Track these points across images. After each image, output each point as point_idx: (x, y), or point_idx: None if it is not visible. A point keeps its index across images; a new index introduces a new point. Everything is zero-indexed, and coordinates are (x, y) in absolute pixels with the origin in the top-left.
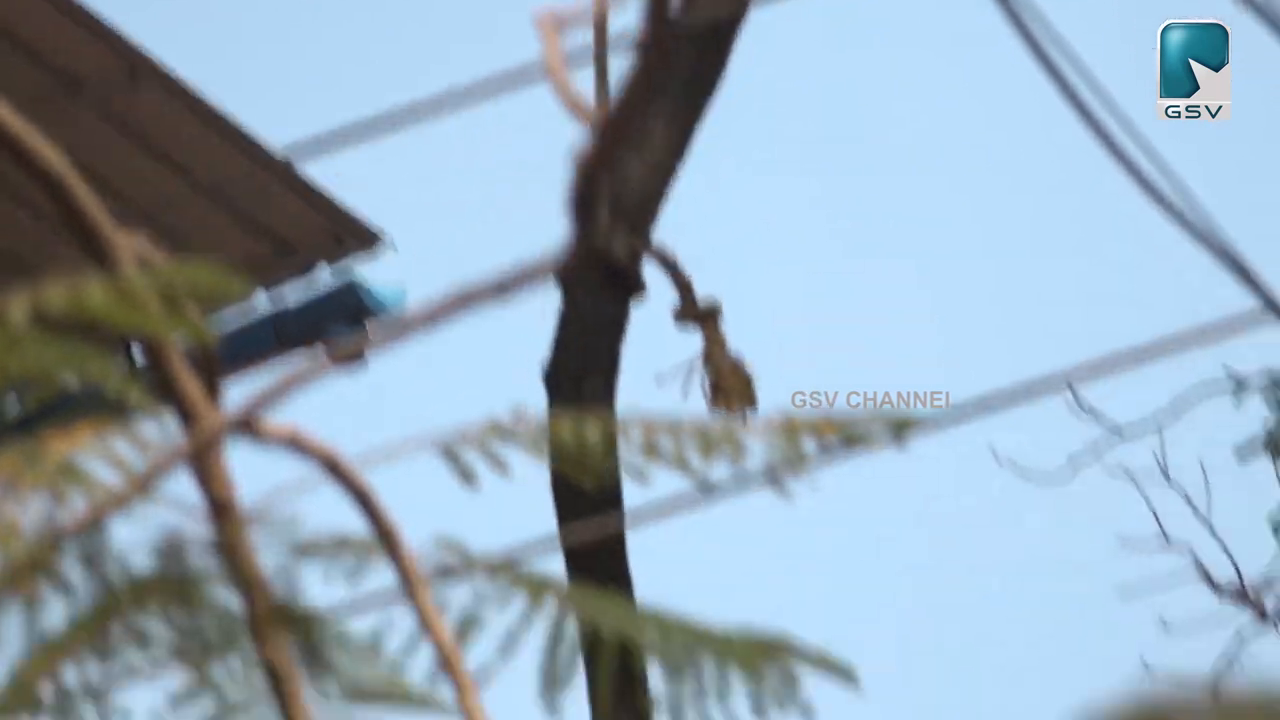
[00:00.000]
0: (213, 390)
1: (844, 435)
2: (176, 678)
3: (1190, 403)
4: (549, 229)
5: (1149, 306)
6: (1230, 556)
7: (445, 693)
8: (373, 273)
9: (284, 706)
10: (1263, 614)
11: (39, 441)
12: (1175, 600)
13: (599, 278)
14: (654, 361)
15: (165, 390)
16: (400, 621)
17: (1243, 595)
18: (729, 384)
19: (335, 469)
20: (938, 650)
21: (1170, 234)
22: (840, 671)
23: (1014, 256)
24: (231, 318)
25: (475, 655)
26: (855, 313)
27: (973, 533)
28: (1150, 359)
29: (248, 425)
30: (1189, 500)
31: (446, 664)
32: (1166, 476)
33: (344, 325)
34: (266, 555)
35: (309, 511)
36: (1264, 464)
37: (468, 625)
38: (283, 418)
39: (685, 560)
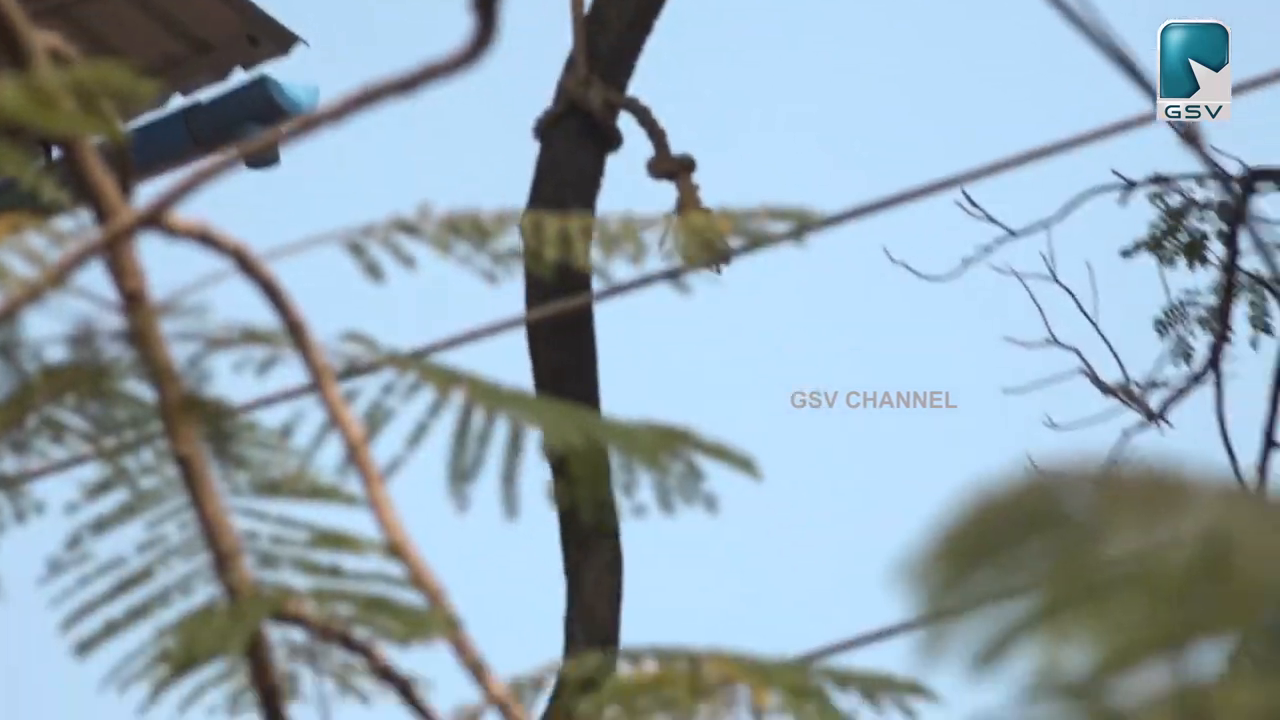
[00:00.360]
0: (126, 187)
1: (743, 233)
2: (91, 470)
3: (1078, 205)
4: (461, 27)
5: (1041, 112)
6: (1116, 356)
7: (354, 485)
8: (287, 74)
9: (195, 497)
10: (1148, 413)
11: None
12: (1061, 399)
13: (576, 128)
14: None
15: (80, 186)
16: (310, 415)
17: (1128, 394)
18: None
19: (244, 263)
20: (827, 440)
21: (1064, 37)
22: (741, 463)
23: (910, 65)
24: (148, 120)
25: (385, 448)
26: (768, 118)
27: (865, 333)
28: (1039, 159)
29: (159, 220)
30: (1075, 299)
31: (355, 455)
32: (1054, 277)
33: (258, 125)
34: (177, 347)
35: (220, 306)
36: (1149, 265)
37: (376, 417)
38: (211, 215)
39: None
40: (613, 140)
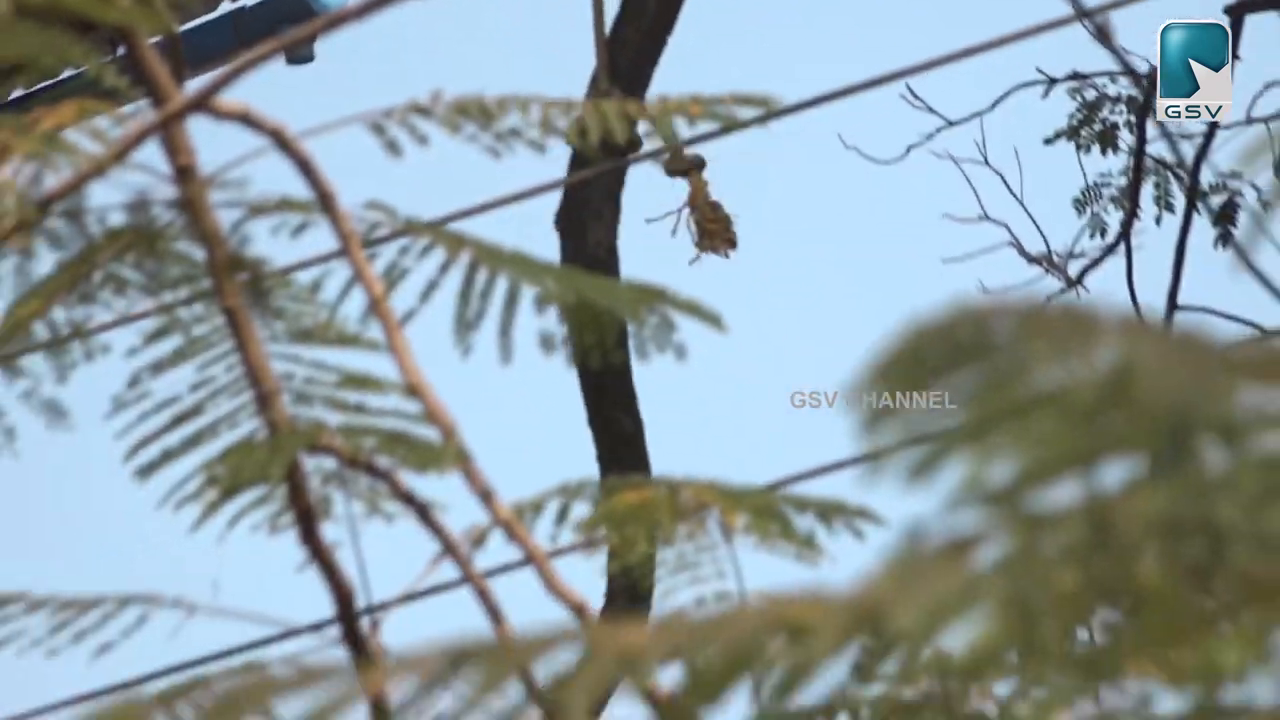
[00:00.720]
0: (178, 75)
1: (712, 116)
2: (149, 320)
3: (1007, 97)
4: None
5: (975, 14)
6: (1040, 230)
7: (376, 333)
8: None
9: (239, 343)
10: (1068, 280)
11: (30, 116)
12: (993, 269)
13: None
14: (648, 208)
15: (138, 75)
16: (337, 273)
17: (1050, 263)
18: (711, 225)
19: (281, 141)
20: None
21: None
22: (709, 318)
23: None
24: (200, 22)
25: (401, 302)
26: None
27: (822, 208)
28: (973, 56)
29: (207, 104)
30: (1004, 181)
31: (376, 308)
32: (986, 161)
33: (294, 28)
34: (223, 214)
35: (259, 180)
36: (1068, 151)
37: (394, 274)
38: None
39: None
40: (632, 144)
